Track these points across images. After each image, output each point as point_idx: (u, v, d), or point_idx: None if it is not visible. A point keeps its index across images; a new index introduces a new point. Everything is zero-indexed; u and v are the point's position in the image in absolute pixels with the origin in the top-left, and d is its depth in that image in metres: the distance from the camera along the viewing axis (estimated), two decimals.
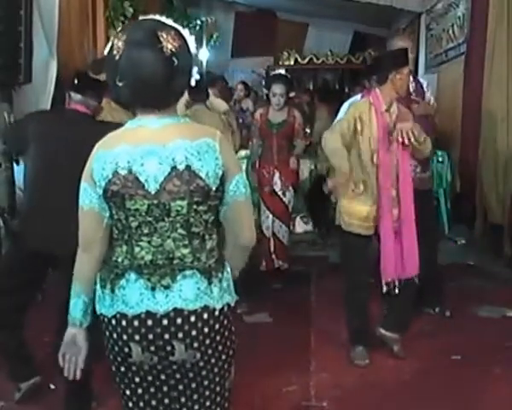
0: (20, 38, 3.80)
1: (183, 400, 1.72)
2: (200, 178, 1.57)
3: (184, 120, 1.66)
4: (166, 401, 1.72)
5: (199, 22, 8.48)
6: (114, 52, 1.55)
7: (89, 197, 1.64)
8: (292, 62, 8.88)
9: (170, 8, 8.27)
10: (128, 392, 1.73)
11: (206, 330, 1.62)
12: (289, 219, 4.96)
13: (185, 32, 1.62)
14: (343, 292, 3.48)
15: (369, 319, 3.46)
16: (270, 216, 4.72)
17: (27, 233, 2.73)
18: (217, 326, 1.64)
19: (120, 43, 1.54)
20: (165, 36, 1.55)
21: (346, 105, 3.89)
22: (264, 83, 9.37)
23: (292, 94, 5.01)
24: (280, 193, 4.73)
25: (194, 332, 1.61)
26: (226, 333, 1.69)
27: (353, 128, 3.24)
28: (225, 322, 1.67)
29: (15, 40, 3.76)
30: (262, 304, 4.22)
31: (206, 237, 1.65)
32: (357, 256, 3.36)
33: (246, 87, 7.71)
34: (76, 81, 2.77)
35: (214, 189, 1.60)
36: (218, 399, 1.73)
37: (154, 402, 1.73)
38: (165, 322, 1.60)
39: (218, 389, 1.72)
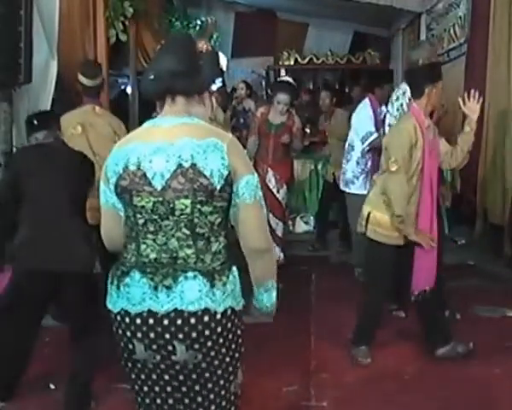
0: (20, 38, 3.79)
1: (186, 401, 1.73)
2: (205, 176, 1.60)
3: (198, 121, 1.70)
4: (170, 401, 1.74)
5: (199, 22, 8.45)
6: (156, 54, 1.77)
7: (105, 197, 1.73)
8: (292, 62, 8.88)
9: (170, 8, 8.27)
10: (136, 387, 1.79)
11: (206, 332, 1.63)
12: (284, 215, 5.07)
13: (220, 53, 1.82)
14: (365, 299, 3.48)
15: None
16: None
17: (29, 255, 2.77)
18: (219, 329, 1.65)
19: (164, 42, 1.79)
20: (199, 41, 1.72)
21: (364, 114, 4.12)
22: (264, 84, 9.42)
23: (295, 102, 5.12)
24: (274, 190, 4.85)
25: (194, 334, 1.62)
26: (230, 336, 1.69)
27: (408, 157, 3.13)
28: (229, 325, 1.67)
29: (15, 40, 3.76)
30: None
31: (212, 239, 1.65)
32: (386, 266, 3.34)
33: (247, 86, 7.72)
34: (36, 122, 2.99)
35: (218, 188, 1.61)
36: (224, 403, 1.74)
37: (158, 401, 1.75)
38: (165, 322, 1.62)
39: (222, 392, 1.73)
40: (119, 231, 1.74)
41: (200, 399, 1.72)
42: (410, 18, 7.63)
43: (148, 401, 1.77)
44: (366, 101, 4.77)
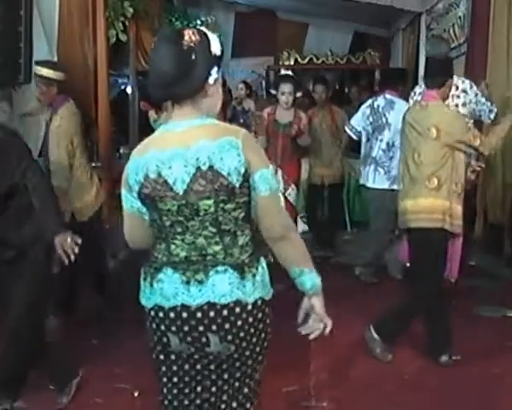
0: (20, 38, 3.81)
1: (213, 389, 1.82)
2: (223, 176, 1.63)
3: (210, 120, 1.71)
4: (199, 388, 1.82)
5: (199, 22, 8.45)
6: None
7: (129, 202, 1.77)
8: (292, 62, 8.86)
9: (170, 8, 8.26)
10: (165, 379, 1.83)
11: (239, 323, 1.69)
12: (294, 216, 5.00)
13: (211, 34, 1.69)
14: (425, 298, 3.38)
15: None
16: None
17: None
18: (250, 320, 1.70)
19: (155, 40, 1.71)
20: (187, 32, 1.64)
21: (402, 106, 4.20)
22: (264, 84, 9.41)
23: (299, 94, 5.11)
24: (282, 191, 4.80)
25: (227, 325, 1.68)
26: (260, 326, 1.74)
27: None
28: (259, 315, 1.73)
29: (15, 40, 3.77)
30: None
31: (238, 233, 1.70)
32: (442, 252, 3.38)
33: (247, 86, 7.72)
34: None
35: (238, 186, 1.65)
36: (246, 390, 1.81)
37: (187, 390, 1.83)
38: (199, 315, 1.68)
39: (247, 380, 1.80)
40: (142, 233, 1.81)
41: (226, 387, 1.80)
42: (410, 18, 7.63)
43: (175, 391, 1.83)
44: (401, 100, 4.84)
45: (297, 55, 8.87)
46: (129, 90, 7.88)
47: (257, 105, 7.29)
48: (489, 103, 4.27)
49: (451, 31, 6.20)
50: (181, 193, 1.65)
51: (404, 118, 3.53)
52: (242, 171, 1.64)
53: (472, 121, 4.10)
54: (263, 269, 1.75)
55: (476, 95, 4.21)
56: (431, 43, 4.82)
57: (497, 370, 3.30)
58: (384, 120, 4.87)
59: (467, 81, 4.24)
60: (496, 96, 4.96)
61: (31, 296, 2.74)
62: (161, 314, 1.73)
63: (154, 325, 1.76)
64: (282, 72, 5.70)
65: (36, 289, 2.76)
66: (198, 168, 1.63)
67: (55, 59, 4.64)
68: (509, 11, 4.87)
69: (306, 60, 8.86)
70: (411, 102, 4.27)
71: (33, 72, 3.78)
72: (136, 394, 3.04)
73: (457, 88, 4.14)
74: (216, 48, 1.67)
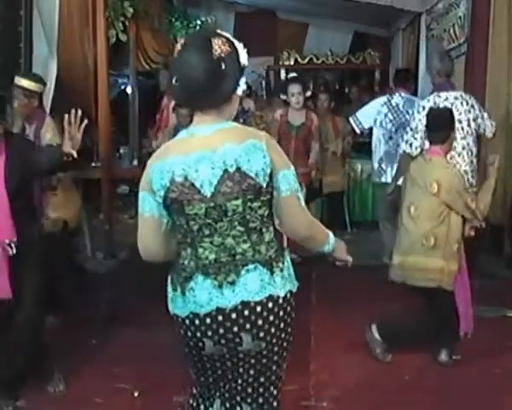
0: (20, 38, 3.81)
1: (239, 381, 1.87)
2: (251, 177, 1.68)
3: (232, 124, 1.76)
4: (229, 376, 1.88)
5: (199, 22, 8.46)
6: (174, 55, 1.71)
7: (148, 205, 1.76)
8: (292, 62, 8.85)
9: (170, 8, 8.26)
10: (197, 372, 1.92)
11: (271, 318, 1.74)
12: None
13: (237, 42, 1.73)
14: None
15: None
16: None
17: None
18: (281, 313, 1.76)
19: (179, 47, 1.70)
20: (216, 41, 1.66)
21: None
22: (264, 84, 9.42)
23: (308, 93, 5.13)
24: None
25: (260, 321, 1.73)
26: (289, 320, 1.81)
27: None
28: (288, 309, 1.79)
29: (15, 40, 3.77)
30: None
31: (264, 230, 1.76)
32: None
33: (247, 86, 7.70)
34: None
35: (265, 185, 1.70)
36: (268, 384, 1.88)
37: (218, 379, 1.90)
38: (233, 315, 1.73)
39: (272, 376, 1.87)
40: (159, 241, 1.80)
41: (251, 380, 1.85)
42: (410, 18, 7.61)
43: (211, 379, 1.90)
44: (417, 98, 4.95)
45: (297, 55, 8.86)
46: (129, 90, 7.89)
47: (257, 105, 7.29)
48: (491, 121, 4.29)
49: (451, 31, 6.19)
50: (208, 195, 1.68)
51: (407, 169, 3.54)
52: (268, 171, 1.70)
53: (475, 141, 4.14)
54: (288, 263, 1.82)
55: (480, 110, 4.22)
56: (440, 58, 4.74)
57: (497, 370, 3.29)
58: (408, 117, 4.89)
59: (431, 98, 4.21)
60: (496, 96, 4.97)
61: (34, 296, 2.76)
62: (197, 322, 1.75)
63: (189, 333, 1.79)
64: (290, 74, 5.77)
65: (38, 289, 2.79)
66: (225, 170, 1.67)
67: (55, 59, 4.65)
68: (508, 11, 4.88)
69: (306, 60, 8.86)
70: (420, 116, 4.22)
71: (14, 83, 3.67)
72: (136, 394, 3.04)
73: (424, 108, 4.10)
74: (244, 58, 1.72)
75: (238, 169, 1.67)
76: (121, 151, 6.89)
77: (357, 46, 9.12)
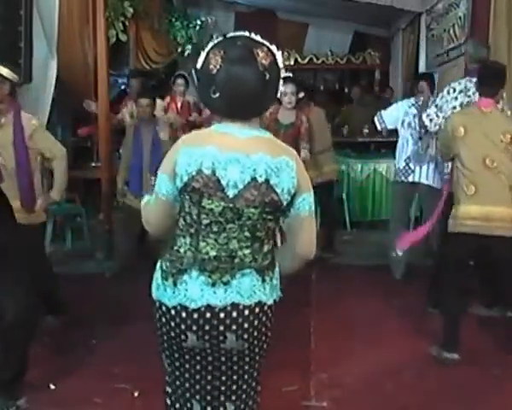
0: (20, 38, 3.81)
1: (223, 378, 1.87)
2: (276, 193, 1.71)
3: (268, 134, 1.79)
4: (209, 377, 1.87)
5: (199, 22, 8.46)
6: (211, 66, 1.69)
7: (165, 187, 1.77)
8: (292, 62, 8.86)
9: (170, 8, 8.26)
10: (173, 368, 1.89)
11: (255, 322, 1.78)
12: None
13: (274, 48, 1.75)
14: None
15: None
16: None
17: None
18: (264, 319, 1.81)
19: (218, 59, 1.68)
20: (259, 53, 1.69)
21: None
22: None
23: (301, 94, 5.12)
24: None
25: (246, 325, 1.77)
26: (269, 325, 1.85)
27: None
28: (271, 316, 1.84)
29: (15, 40, 3.77)
30: None
31: (265, 241, 1.80)
32: None
33: None
34: None
35: (285, 204, 1.74)
36: (250, 380, 1.91)
37: (198, 377, 1.87)
38: (222, 315, 1.75)
39: (254, 373, 1.91)
40: (170, 222, 1.82)
41: (235, 377, 1.87)
42: (410, 18, 7.63)
43: (182, 379, 1.88)
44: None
45: (297, 55, 8.88)
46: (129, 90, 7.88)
47: None
48: None
49: (451, 31, 6.20)
50: (231, 196, 1.70)
51: (449, 120, 3.59)
52: (293, 192, 1.74)
53: None
54: (277, 273, 1.85)
55: (474, 93, 4.22)
56: (474, 45, 4.80)
57: (497, 370, 3.30)
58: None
59: (462, 81, 4.25)
60: None
61: (27, 295, 2.75)
62: (184, 314, 1.76)
63: (172, 323, 1.78)
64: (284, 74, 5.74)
65: (19, 283, 2.75)
66: (254, 178, 1.70)
67: (55, 59, 4.65)
68: (508, 11, 4.87)
69: (306, 60, 8.87)
70: (448, 97, 4.25)
71: None
72: (136, 394, 3.04)
73: (454, 90, 4.15)
74: (281, 64, 1.75)
75: (267, 181, 1.70)
76: (121, 151, 6.87)
77: (357, 46, 9.13)
